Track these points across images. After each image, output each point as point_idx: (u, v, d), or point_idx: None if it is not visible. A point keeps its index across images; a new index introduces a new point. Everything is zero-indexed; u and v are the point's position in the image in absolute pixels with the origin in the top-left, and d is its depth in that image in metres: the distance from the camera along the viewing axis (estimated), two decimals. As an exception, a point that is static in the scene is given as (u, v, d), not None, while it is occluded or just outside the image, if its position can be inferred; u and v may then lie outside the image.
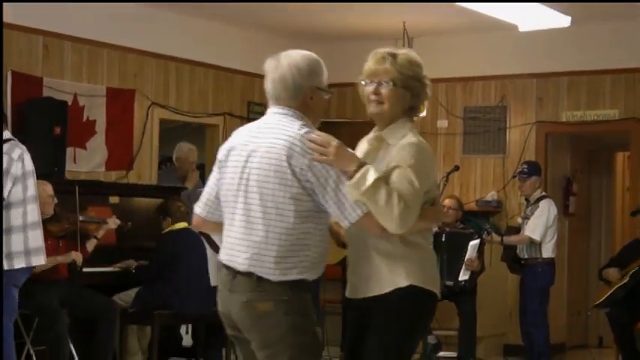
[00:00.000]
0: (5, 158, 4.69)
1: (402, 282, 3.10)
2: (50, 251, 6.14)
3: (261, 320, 3.03)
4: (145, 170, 7.98)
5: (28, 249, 4.71)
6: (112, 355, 6.39)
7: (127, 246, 6.88)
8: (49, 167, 6.71)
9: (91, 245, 6.42)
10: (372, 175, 3.01)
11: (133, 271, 6.65)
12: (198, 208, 3.32)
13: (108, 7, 7.53)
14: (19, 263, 4.63)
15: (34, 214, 4.76)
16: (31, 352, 6.11)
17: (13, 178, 4.67)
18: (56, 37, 7.25)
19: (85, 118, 7.47)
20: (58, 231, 6.27)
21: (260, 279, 3.03)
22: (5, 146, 4.67)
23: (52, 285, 6.14)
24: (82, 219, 6.36)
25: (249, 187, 3.06)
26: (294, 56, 3.16)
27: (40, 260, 4.76)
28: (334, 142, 3.10)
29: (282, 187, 3.01)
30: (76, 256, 6.22)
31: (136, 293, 6.56)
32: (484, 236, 7.45)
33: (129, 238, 6.87)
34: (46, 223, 6.18)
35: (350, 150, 3.18)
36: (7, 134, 4.80)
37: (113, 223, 6.57)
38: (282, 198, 3.00)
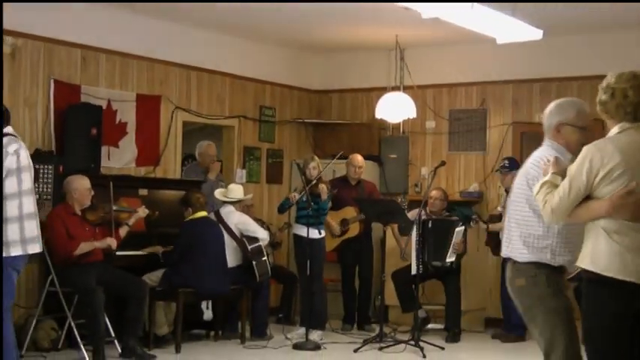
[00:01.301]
0: None
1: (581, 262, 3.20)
2: (88, 236, 6.23)
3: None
4: (170, 166, 7.98)
5: (25, 238, 4.44)
6: (142, 327, 6.43)
7: (155, 232, 6.90)
8: (87, 164, 6.73)
9: (123, 231, 6.44)
10: (541, 180, 3.34)
11: (160, 255, 6.66)
12: None
13: (138, 22, 7.55)
14: (15, 251, 4.40)
15: (29, 205, 4.46)
16: (72, 325, 6.15)
17: (6, 170, 4.37)
18: (92, 50, 7.27)
19: (117, 121, 7.48)
20: (95, 219, 6.30)
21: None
22: (4, 139, 4.40)
23: (90, 266, 6.16)
24: (115, 209, 6.38)
25: None
26: (556, 100, 3.63)
27: (35, 248, 4.48)
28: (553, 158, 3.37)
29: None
30: (111, 242, 6.24)
31: (162, 274, 6.60)
32: (472, 224, 7.44)
33: (156, 226, 6.88)
34: (84, 212, 6.28)
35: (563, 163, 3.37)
36: (8, 129, 4.51)
37: (143, 212, 6.59)
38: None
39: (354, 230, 7.71)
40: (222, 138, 8.84)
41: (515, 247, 3.56)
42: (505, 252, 3.62)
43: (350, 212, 7.66)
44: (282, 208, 7.35)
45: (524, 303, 3.52)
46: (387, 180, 8.59)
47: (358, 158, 7.82)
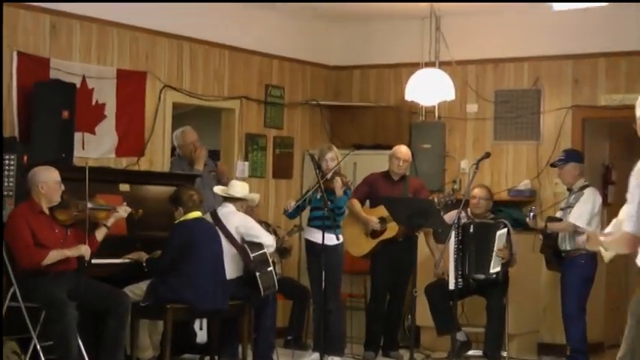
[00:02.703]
0: None
1: None
2: (58, 240, 6.20)
3: None
4: (157, 157, 7.99)
5: None
6: (123, 351, 6.41)
7: (138, 236, 6.90)
8: (57, 153, 6.73)
9: (100, 234, 6.43)
10: None
11: (144, 263, 6.66)
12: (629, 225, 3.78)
13: (118, -16, 7.55)
14: None
15: None
16: (38, 347, 6.13)
17: None
18: (64, 17, 7.26)
19: (94, 102, 7.47)
20: (66, 219, 6.28)
21: None
22: None
23: (60, 277, 6.16)
24: (90, 206, 6.36)
25: None
26: None
27: None
28: None
29: None
30: (85, 251, 6.22)
31: (147, 286, 6.59)
32: (530, 219, 7.37)
33: (140, 228, 6.88)
34: (53, 211, 6.24)
35: None
36: None
37: (124, 211, 6.58)
38: None
39: (392, 230, 7.69)
40: (220, 122, 8.85)
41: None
42: None
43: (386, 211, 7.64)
44: (291, 217, 7.49)
45: None
46: (419, 175, 8.58)
47: (403, 150, 7.86)
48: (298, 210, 7.40)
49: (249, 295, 6.99)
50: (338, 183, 7.10)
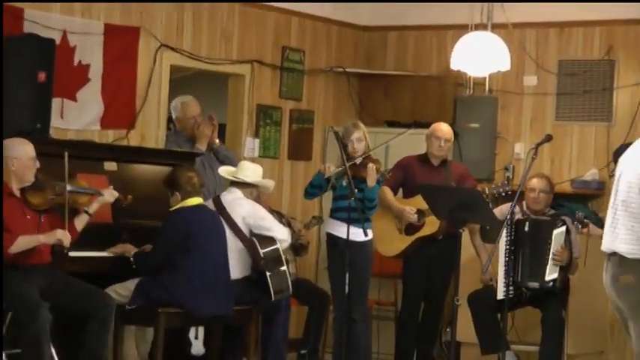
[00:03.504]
0: None
1: None
2: (30, 228, 6.17)
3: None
4: (150, 130, 7.99)
5: None
6: (104, 362, 6.44)
7: (126, 225, 6.90)
8: (30, 123, 6.70)
9: (80, 222, 6.40)
10: None
11: (132, 258, 6.66)
12: None
13: None
14: None
15: None
16: (3, 357, 6.07)
17: None
18: (42, -41, 7.28)
19: (76, 62, 7.48)
20: (41, 203, 6.24)
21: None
22: None
23: (32, 272, 6.13)
24: (70, 189, 6.32)
25: None
26: None
27: None
28: None
29: None
30: (63, 236, 6.18)
31: (135, 285, 6.57)
32: (574, 226, 7.38)
33: (128, 216, 6.89)
34: (25, 192, 6.21)
35: None
36: None
37: (110, 195, 6.55)
38: None
39: (431, 226, 7.59)
40: (226, 92, 8.86)
41: (623, 240, 4.27)
42: (608, 246, 4.28)
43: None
44: (312, 191, 7.33)
45: (633, 299, 4.34)
46: (465, 159, 8.61)
47: (444, 128, 7.83)
48: (317, 190, 7.33)
49: (257, 299, 6.98)
50: (372, 171, 7.01)
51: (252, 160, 8.28)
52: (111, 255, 6.72)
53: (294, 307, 7.88)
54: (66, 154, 6.30)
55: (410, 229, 7.72)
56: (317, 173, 7.26)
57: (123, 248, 6.73)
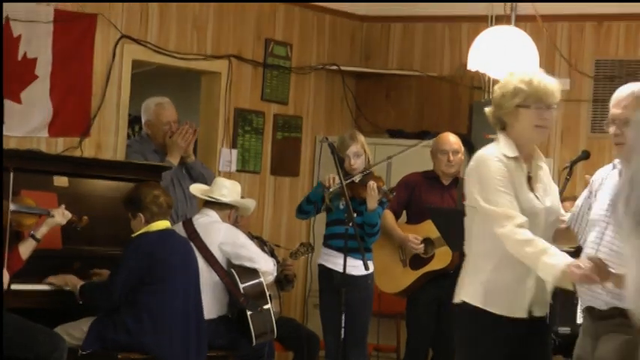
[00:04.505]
0: None
1: None
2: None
3: None
4: (108, 138, 8.01)
5: None
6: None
7: (78, 253, 6.90)
8: (-36, 129, 6.71)
9: (26, 249, 6.40)
10: None
11: (77, 293, 6.61)
12: None
13: None
14: None
15: None
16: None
17: None
18: None
19: (20, 56, 7.49)
20: (-24, 227, 6.25)
21: None
22: None
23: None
24: (13, 209, 6.33)
25: None
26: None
27: None
28: None
29: None
30: (4, 277, 6.15)
31: (90, 326, 6.56)
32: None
33: (81, 241, 6.89)
34: (-43, 214, 6.19)
35: None
36: None
37: (61, 216, 6.55)
38: None
39: (442, 258, 7.63)
40: (199, 91, 8.88)
41: None
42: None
43: (435, 229, 7.53)
44: (307, 208, 7.38)
45: None
46: None
47: (451, 139, 7.82)
48: (313, 209, 7.36)
49: (235, 344, 7.00)
50: (372, 191, 7.04)
51: (229, 175, 8.28)
52: (60, 287, 6.66)
53: (277, 352, 7.89)
54: (9, 167, 6.24)
55: (416, 261, 7.71)
56: (316, 186, 7.29)
57: (64, 280, 6.68)
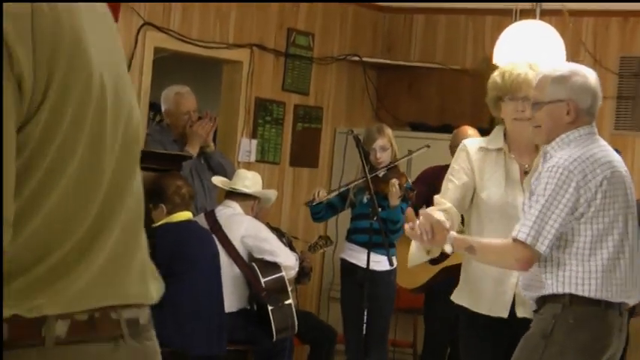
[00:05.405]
0: None
1: None
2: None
3: None
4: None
5: None
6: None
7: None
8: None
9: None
10: None
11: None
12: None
13: None
14: None
15: None
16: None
17: None
18: None
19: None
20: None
21: None
22: None
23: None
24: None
25: None
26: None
27: None
28: None
29: None
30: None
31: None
32: None
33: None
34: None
35: None
36: None
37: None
38: None
39: (461, 254, 7.51)
40: (220, 81, 8.86)
41: None
42: None
43: None
44: (318, 215, 7.43)
45: None
46: None
47: (469, 132, 7.81)
48: (330, 209, 7.34)
49: (254, 338, 7.01)
50: (393, 187, 6.98)
51: (248, 165, 8.29)
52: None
53: (295, 346, 7.85)
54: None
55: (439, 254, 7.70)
56: (308, 205, 7.31)
57: None
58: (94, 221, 1.82)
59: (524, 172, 4.85)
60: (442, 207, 4.78)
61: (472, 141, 5.02)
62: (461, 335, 5.14)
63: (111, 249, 1.87)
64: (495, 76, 4.94)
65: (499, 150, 4.86)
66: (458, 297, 5.14)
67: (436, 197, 4.94)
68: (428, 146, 7.41)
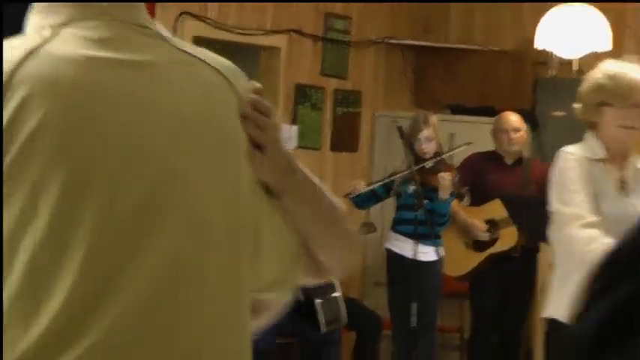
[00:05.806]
0: None
1: None
2: None
3: None
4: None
5: None
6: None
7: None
8: None
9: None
10: None
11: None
12: None
13: None
14: None
15: None
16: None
17: None
18: None
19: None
20: None
21: None
22: None
23: None
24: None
25: None
26: None
27: None
28: None
29: None
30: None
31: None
32: None
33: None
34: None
35: None
36: None
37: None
38: None
39: (507, 240, 7.57)
40: (258, 68, 8.83)
41: None
42: None
43: (499, 209, 7.62)
44: (362, 205, 7.46)
45: None
46: (547, 156, 8.37)
47: (510, 117, 7.86)
48: (374, 197, 7.34)
49: (302, 331, 7.05)
50: (445, 181, 6.98)
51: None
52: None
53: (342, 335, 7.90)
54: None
55: (480, 242, 7.76)
56: (348, 197, 7.27)
57: None
58: None
59: (622, 182, 4.60)
60: (585, 221, 4.40)
61: (577, 150, 4.57)
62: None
63: None
64: (600, 78, 4.57)
65: (600, 160, 4.54)
66: (554, 311, 4.54)
67: (574, 214, 4.45)
68: (469, 143, 7.40)
